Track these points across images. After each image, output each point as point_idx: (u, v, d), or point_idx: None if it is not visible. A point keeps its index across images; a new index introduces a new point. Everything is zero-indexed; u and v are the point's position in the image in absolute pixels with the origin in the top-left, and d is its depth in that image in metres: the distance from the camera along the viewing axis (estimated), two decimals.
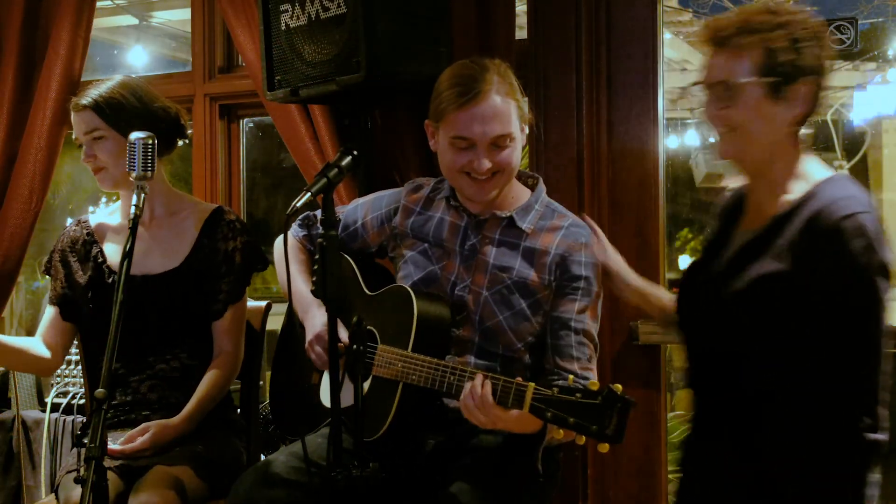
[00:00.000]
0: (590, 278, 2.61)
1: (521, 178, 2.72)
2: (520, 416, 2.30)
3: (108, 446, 2.71)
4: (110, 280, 2.95)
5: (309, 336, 2.68)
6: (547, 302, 2.60)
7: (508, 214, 2.62)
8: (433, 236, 2.69)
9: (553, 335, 2.60)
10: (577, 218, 2.69)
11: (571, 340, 2.58)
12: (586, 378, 2.55)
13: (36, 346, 2.99)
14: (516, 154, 2.59)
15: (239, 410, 3.13)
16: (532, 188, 2.70)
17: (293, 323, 2.80)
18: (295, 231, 2.91)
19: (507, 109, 2.52)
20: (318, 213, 2.81)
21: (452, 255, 2.66)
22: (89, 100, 2.93)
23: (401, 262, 2.75)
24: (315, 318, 2.66)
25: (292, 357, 2.85)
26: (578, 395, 2.18)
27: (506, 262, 2.61)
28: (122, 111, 2.92)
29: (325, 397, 2.66)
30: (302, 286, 2.78)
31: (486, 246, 2.63)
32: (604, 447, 2.17)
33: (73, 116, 2.97)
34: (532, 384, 2.24)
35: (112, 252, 2.99)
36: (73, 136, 2.98)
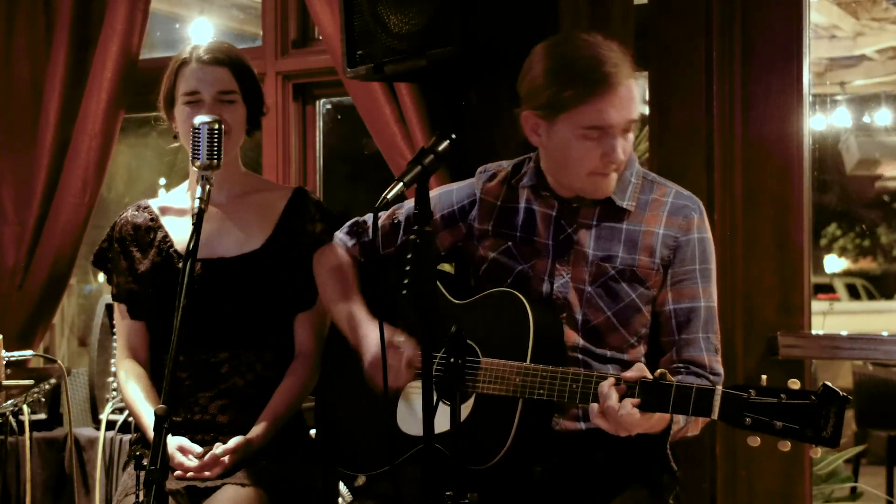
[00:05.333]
0: (707, 255, 2.64)
1: None
2: (660, 418, 2.35)
3: (181, 461, 2.80)
4: (180, 265, 2.98)
5: (367, 356, 2.68)
6: (657, 287, 2.61)
7: (604, 195, 2.62)
8: (521, 231, 2.70)
9: (678, 328, 2.61)
10: (680, 187, 2.70)
11: (698, 332, 2.60)
12: (718, 373, 2.60)
13: (149, 387, 3.04)
14: (633, 138, 2.62)
15: (314, 431, 3.17)
16: None
17: (343, 338, 2.82)
18: (342, 239, 2.93)
19: (634, 91, 2.56)
20: (369, 217, 2.86)
21: (544, 250, 2.68)
22: (224, 56, 3.00)
23: (483, 267, 2.76)
24: (371, 338, 2.67)
25: (346, 377, 2.86)
26: (783, 395, 2.21)
27: (607, 249, 2.62)
28: (253, 80, 3.05)
29: (407, 423, 2.68)
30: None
31: (583, 234, 2.64)
32: (816, 451, 2.22)
33: (196, 69, 2.97)
34: (720, 387, 2.27)
35: (180, 235, 3.04)
36: (185, 91, 2.96)
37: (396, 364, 2.62)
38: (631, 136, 2.58)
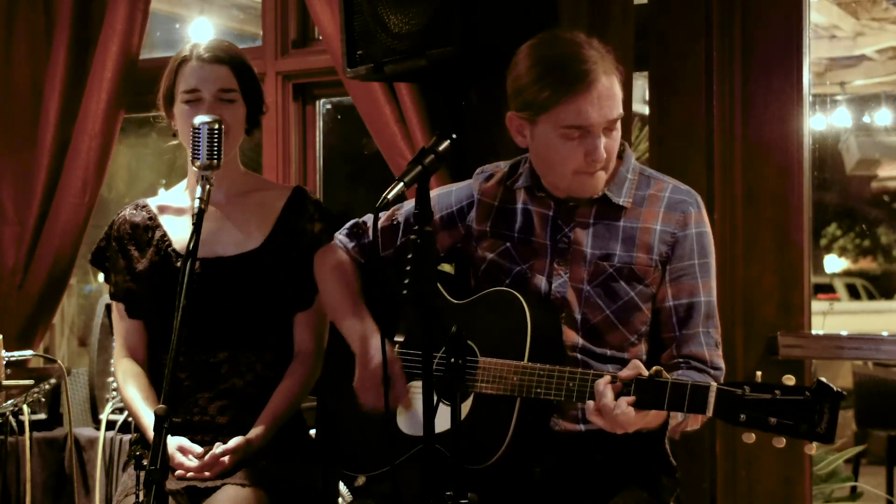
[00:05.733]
0: (705, 249, 2.63)
1: None
2: (656, 414, 2.35)
3: (181, 461, 2.80)
4: (178, 264, 2.97)
5: (360, 373, 2.67)
6: (656, 284, 2.61)
7: (601, 193, 2.63)
8: (519, 232, 2.70)
9: (678, 324, 2.61)
10: (677, 182, 2.70)
11: (698, 326, 2.60)
12: (719, 367, 2.60)
13: (148, 387, 3.04)
14: (619, 135, 2.61)
15: (314, 431, 3.17)
16: (619, 156, 2.69)
17: (343, 338, 2.82)
18: (342, 241, 2.91)
19: (615, 88, 2.55)
20: (368, 218, 2.86)
21: (542, 250, 2.68)
22: (224, 55, 2.98)
23: (482, 267, 2.76)
24: (370, 355, 2.65)
25: (347, 377, 2.86)
26: (777, 391, 2.21)
27: (605, 247, 2.62)
28: (253, 79, 3.05)
29: (407, 423, 2.68)
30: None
31: (581, 233, 2.64)
32: (811, 448, 2.22)
33: (196, 67, 2.96)
34: (714, 384, 2.28)
35: (178, 234, 3.04)
36: (185, 89, 2.95)
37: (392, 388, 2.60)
38: (616, 133, 2.56)
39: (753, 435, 2.24)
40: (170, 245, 3.02)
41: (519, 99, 2.58)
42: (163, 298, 2.94)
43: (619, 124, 2.57)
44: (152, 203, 3.13)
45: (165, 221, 3.07)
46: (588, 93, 2.49)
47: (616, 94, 2.53)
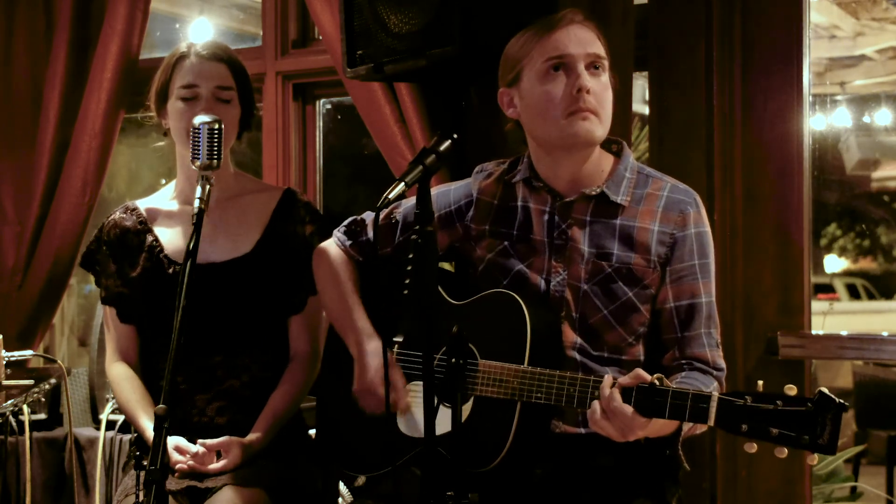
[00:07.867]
0: (705, 249, 2.63)
1: (603, 144, 2.70)
2: (666, 422, 2.34)
3: (177, 459, 2.80)
4: (171, 271, 2.97)
5: (360, 379, 2.69)
6: (656, 285, 2.61)
7: (598, 190, 2.62)
8: (518, 230, 2.70)
9: (679, 326, 2.61)
10: (676, 181, 2.69)
11: (700, 328, 2.60)
12: (721, 368, 2.60)
13: (142, 390, 3.02)
14: (611, 95, 2.62)
15: (314, 431, 3.17)
16: (617, 154, 2.69)
17: (341, 339, 2.82)
18: (340, 238, 2.91)
19: (593, 35, 2.61)
20: (366, 215, 2.86)
21: (540, 248, 2.67)
22: (222, 53, 3.00)
23: (480, 267, 2.76)
24: (368, 360, 2.68)
25: (347, 377, 2.86)
26: (779, 402, 2.20)
27: (603, 246, 2.62)
28: (248, 82, 3.06)
29: (406, 425, 2.68)
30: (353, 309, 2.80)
31: (578, 231, 2.63)
32: (813, 458, 2.22)
33: (195, 63, 2.97)
34: (716, 394, 2.27)
35: (169, 239, 3.03)
36: (182, 84, 2.94)
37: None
38: (603, 78, 2.59)
39: (755, 445, 2.23)
40: (161, 251, 3.00)
41: (507, 67, 2.65)
42: (155, 304, 2.94)
43: (606, 76, 2.59)
44: (142, 206, 3.10)
45: (156, 226, 3.06)
46: (563, 29, 2.57)
47: (595, 39, 2.59)
